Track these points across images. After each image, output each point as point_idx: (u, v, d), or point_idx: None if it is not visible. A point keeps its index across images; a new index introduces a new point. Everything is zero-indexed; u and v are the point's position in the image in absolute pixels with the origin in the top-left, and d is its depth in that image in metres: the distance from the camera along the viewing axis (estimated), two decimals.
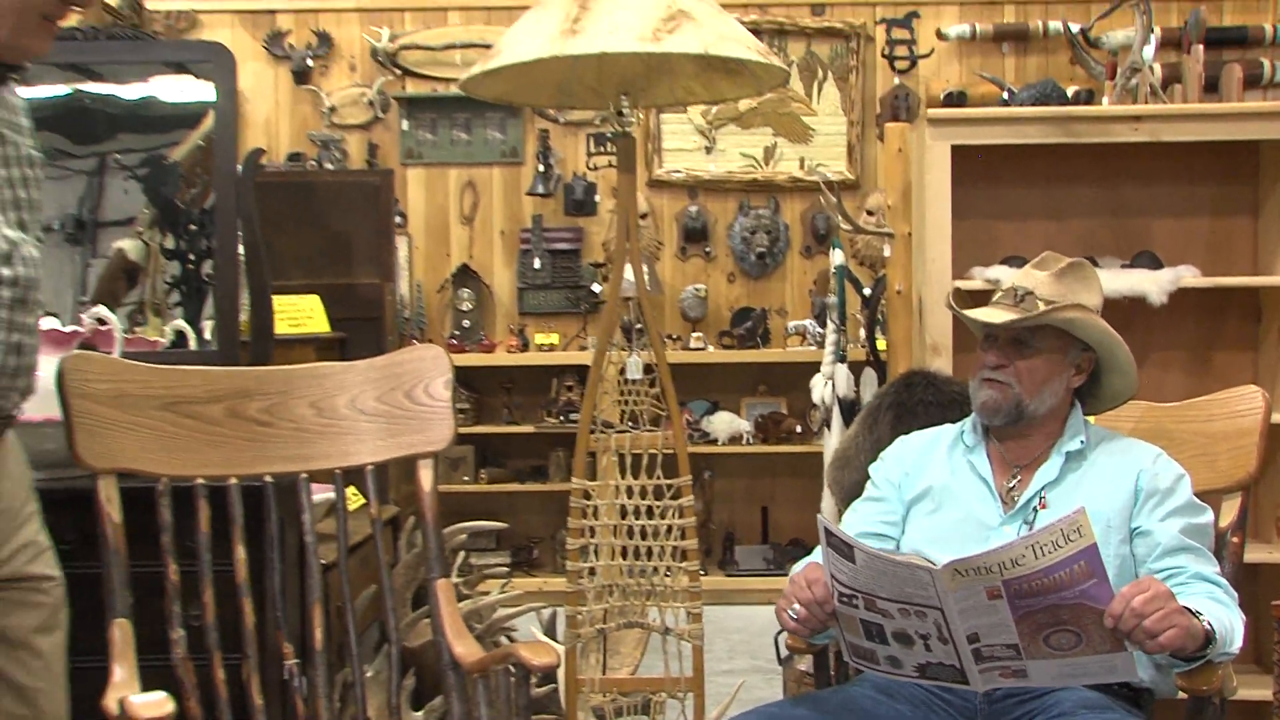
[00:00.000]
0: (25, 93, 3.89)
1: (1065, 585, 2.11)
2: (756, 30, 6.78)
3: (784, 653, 2.70)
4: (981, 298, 2.70)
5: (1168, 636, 2.15)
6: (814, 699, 2.53)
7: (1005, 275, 3.53)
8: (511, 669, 2.52)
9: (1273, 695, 2.24)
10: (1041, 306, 2.59)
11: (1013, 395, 2.61)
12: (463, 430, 6.83)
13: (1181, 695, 2.42)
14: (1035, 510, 2.59)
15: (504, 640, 3.94)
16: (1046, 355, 2.62)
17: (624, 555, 3.21)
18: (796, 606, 2.37)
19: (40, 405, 3.09)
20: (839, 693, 2.55)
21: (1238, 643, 2.34)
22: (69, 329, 3.22)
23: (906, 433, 2.90)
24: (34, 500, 2.57)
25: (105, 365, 2.58)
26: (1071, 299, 2.62)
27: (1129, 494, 2.55)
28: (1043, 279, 2.64)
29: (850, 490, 3.08)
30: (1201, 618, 2.25)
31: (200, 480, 2.58)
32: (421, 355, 2.86)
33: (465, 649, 2.64)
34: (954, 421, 2.83)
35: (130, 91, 3.90)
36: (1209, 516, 2.58)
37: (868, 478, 2.84)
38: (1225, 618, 2.33)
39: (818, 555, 2.49)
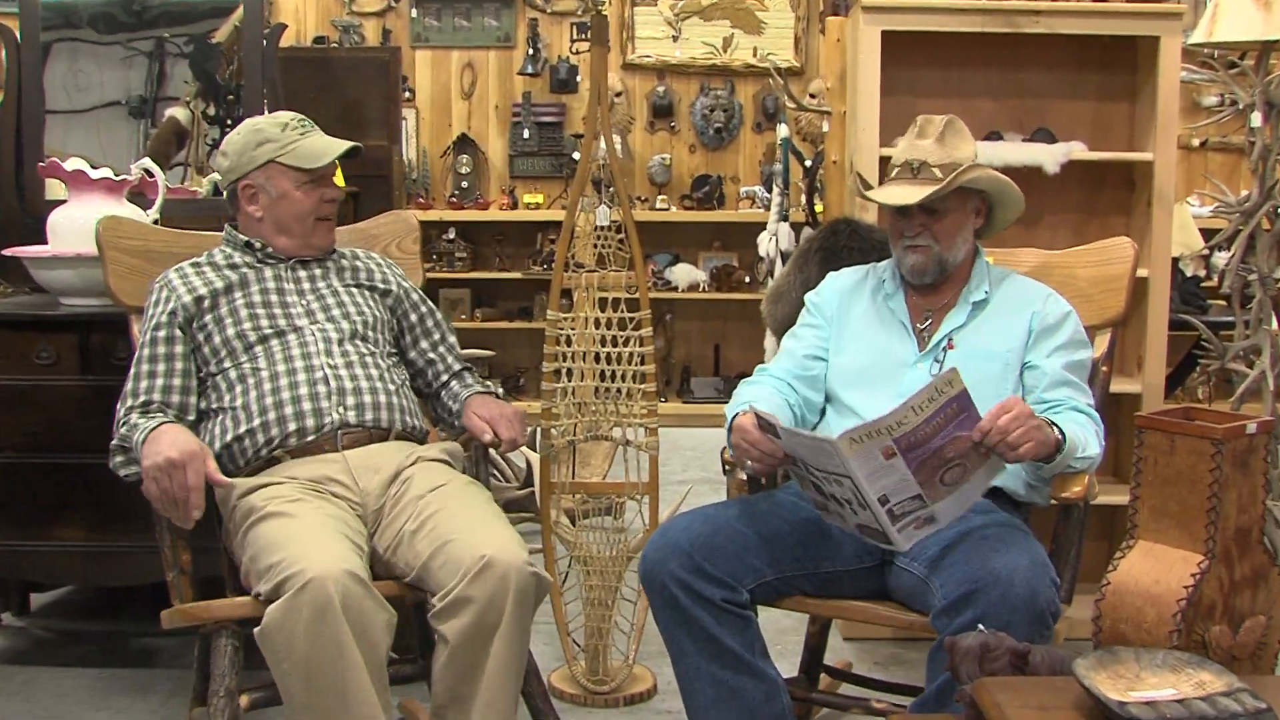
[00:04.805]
0: None
1: (943, 426, 2.09)
2: None
3: (727, 466, 2.66)
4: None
5: (1026, 448, 2.14)
6: (745, 500, 2.49)
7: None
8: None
9: (1128, 501, 2.24)
10: (937, 173, 2.45)
11: (934, 254, 2.51)
12: (460, 275, 6.81)
13: (1053, 503, 2.43)
14: (944, 350, 2.51)
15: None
16: (954, 212, 2.51)
17: (596, 378, 3.19)
18: (750, 464, 2.32)
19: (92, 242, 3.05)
20: (767, 497, 2.51)
21: (1092, 450, 2.32)
22: (119, 178, 3.15)
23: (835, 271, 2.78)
24: None
25: (135, 227, 2.76)
26: (955, 156, 2.47)
27: (1023, 332, 2.48)
28: (929, 147, 2.48)
29: (782, 321, 2.98)
30: (1055, 429, 2.24)
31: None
32: (394, 219, 3.03)
33: None
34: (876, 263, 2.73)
35: None
36: (1089, 353, 2.53)
37: (797, 310, 2.74)
38: (1080, 433, 2.30)
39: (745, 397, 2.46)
